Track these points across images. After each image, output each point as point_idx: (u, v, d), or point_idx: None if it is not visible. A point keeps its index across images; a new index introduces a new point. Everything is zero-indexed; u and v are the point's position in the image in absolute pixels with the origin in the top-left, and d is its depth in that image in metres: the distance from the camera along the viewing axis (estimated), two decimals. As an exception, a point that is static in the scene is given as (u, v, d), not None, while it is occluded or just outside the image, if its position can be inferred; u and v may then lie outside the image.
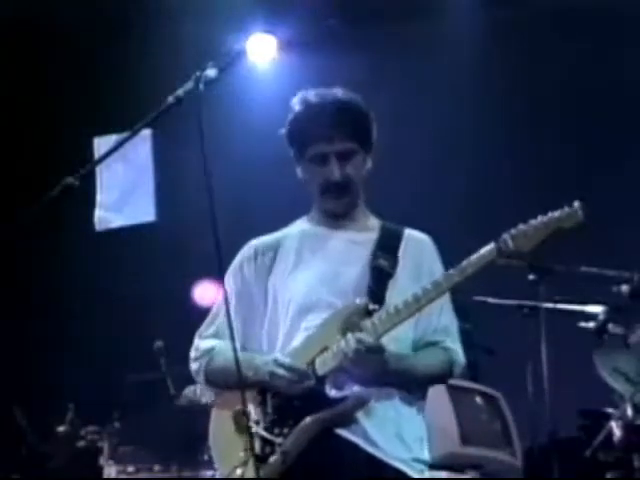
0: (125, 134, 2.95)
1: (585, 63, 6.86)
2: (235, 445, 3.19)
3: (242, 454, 3.14)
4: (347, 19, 7.05)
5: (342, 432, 3.13)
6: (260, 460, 3.09)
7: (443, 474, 4.97)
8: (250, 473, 3.12)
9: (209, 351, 3.37)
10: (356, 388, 3.16)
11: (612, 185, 6.64)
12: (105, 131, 6.20)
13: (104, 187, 6.47)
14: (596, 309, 4.91)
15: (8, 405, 6.17)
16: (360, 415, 3.14)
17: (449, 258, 3.40)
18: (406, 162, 7.06)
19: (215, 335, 3.40)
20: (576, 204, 3.28)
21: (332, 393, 3.14)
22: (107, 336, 7.09)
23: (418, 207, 6.89)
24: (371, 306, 3.18)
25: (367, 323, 3.14)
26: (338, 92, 3.39)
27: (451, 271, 3.19)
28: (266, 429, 3.14)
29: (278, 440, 3.11)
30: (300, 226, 3.46)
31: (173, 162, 6.83)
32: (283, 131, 3.39)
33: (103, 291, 7.24)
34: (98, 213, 6.61)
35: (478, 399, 5.35)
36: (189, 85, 2.91)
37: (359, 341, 3.09)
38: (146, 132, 2.91)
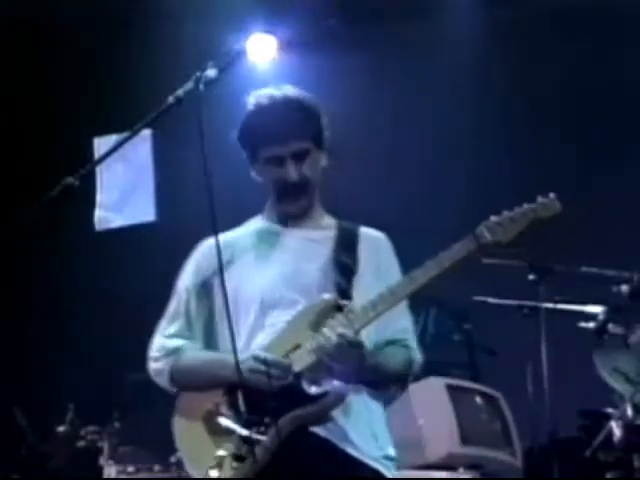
0: (125, 134, 2.95)
1: (585, 63, 6.85)
2: (207, 446, 3.13)
3: (219, 454, 3.08)
4: (347, 19, 7.05)
5: (318, 430, 3.11)
6: (240, 459, 3.05)
7: (443, 474, 4.97)
8: (227, 473, 3.06)
9: (175, 350, 3.32)
10: (335, 384, 3.13)
11: (612, 185, 6.64)
12: (105, 131, 6.20)
13: (104, 187, 6.46)
14: (596, 309, 4.91)
15: (8, 405, 6.17)
16: (336, 412, 3.12)
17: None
18: (406, 162, 7.06)
19: (178, 334, 3.36)
20: (552, 195, 3.26)
21: (311, 390, 3.11)
22: (107, 336, 7.09)
23: (418, 207, 6.90)
24: (340, 302, 3.17)
25: (342, 318, 3.12)
26: (288, 91, 3.37)
27: (428, 263, 3.17)
28: (244, 428, 3.09)
29: (261, 438, 3.05)
30: (255, 225, 3.45)
31: (173, 162, 6.83)
32: (235, 134, 3.37)
33: (103, 291, 7.24)
34: (98, 213, 6.60)
35: (478, 399, 5.35)
36: (189, 85, 2.91)
37: (341, 335, 3.07)
38: (146, 132, 2.91)
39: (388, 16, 7.11)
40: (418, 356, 3.36)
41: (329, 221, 3.45)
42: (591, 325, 4.86)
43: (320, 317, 3.16)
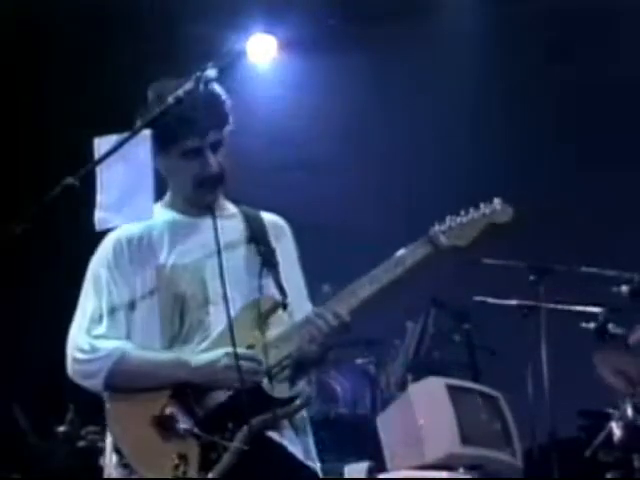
0: (125, 134, 2.95)
1: (586, 63, 6.85)
2: (161, 451, 3.00)
3: (175, 459, 2.95)
4: (347, 19, 7.05)
5: (271, 434, 3.06)
6: (206, 466, 2.96)
7: (443, 474, 4.97)
8: (192, 474, 2.96)
9: (113, 352, 3.17)
10: (301, 385, 3.10)
11: (612, 185, 6.64)
12: (105, 131, 6.19)
13: (104, 187, 6.44)
14: (596, 309, 4.91)
15: (8, 405, 6.16)
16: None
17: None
18: (405, 162, 7.06)
19: (107, 335, 3.22)
20: (497, 200, 3.27)
21: (277, 393, 3.04)
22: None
23: (418, 207, 6.90)
24: (284, 301, 3.14)
25: (286, 315, 3.12)
26: (188, 83, 3.16)
27: (387, 263, 3.14)
28: (205, 432, 2.99)
29: (232, 444, 2.96)
30: (164, 215, 3.33)
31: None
32: (145, 130, 3.10)
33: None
34: (98, 213, 6.58)
35: (478, 399, 5.35)
36: (189, 85, 2.91)
37: (336, 316, 3.06)
38: (146, 132, 2.90)
39: (388, 16, 7.11)
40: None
41: (232, 208, 3.39)
42: (591, 325, 4.86)
43: (265, 315, 3.11)
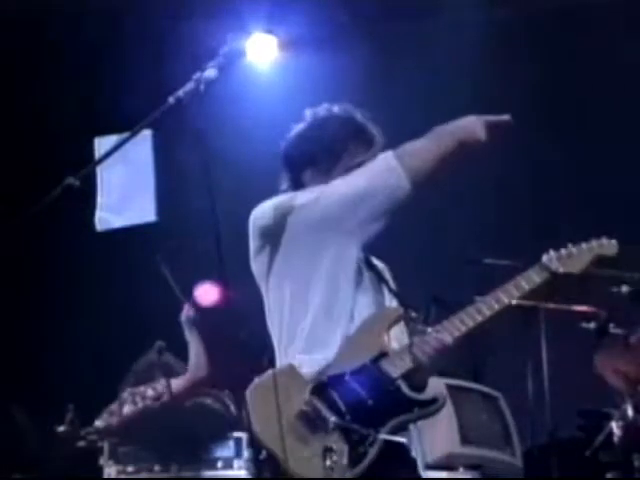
0: (125, 134, 2.95)
1: (587, 63, 6.84)
2: (308, 445, 3.08)
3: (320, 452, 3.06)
4: (349, 19, 7.05)
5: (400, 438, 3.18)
6: (355, 460, 3.06)
7: (443, 474, 4.97)
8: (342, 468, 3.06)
9: None
10: (437, 389, 3.25)
11: (612, 185, 6.64)
12: (105, 131, 6.21)
13: (105, 187, 6.46)
14: (596, 309, 4.92)
15: (8, 405, 6.16)
16: None
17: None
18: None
19: None
20: (611, 241, 3.64)
21: (414, 395, 3.18)
22: (107, 336, 7.09)
23: (417, 207, 6.89)
24: (412, 313, 3.36)
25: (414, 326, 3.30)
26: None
27: (506, 287, 3.45)
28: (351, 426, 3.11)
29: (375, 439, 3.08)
30: None
31: (173, 162, 6.83)
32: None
33: (103, 291, 7.24)
34: (99, 213, 6.60)
35: (478, 399, 5.36)
36: (189, 85, 2.91)
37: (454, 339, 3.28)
38: (146, 132, 2.90)
39: (390, 15, 7.10)
40: None
41: None
42: (592, 325, 4.87)
43: (393, 324, 3.29)
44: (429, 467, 4.99)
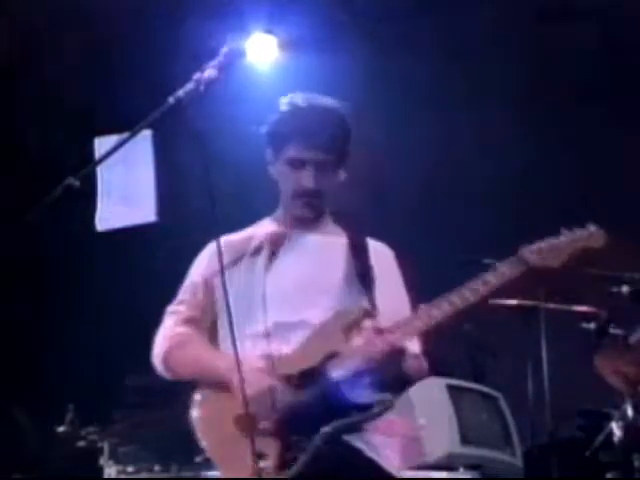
0: (125, 134, 2.95)
1: (588, 63, 6.84)
2: (242, 449, 3.03)
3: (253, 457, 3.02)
4: (349, 18, 7.05)
5: (350, 440, 3.10)
6: (283, 466, 3.02)
7: (443, 474, 4.97)
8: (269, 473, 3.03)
9: (178, 336, 3.34)
10: (380, 393, 3.14)
11: (612, 185, 6.64)
12: (105, 131, 6.20)
13: (105, 187, 6.47)
14: (596, 309, 4.92)
15: (8, 405, 6.17)
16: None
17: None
18: (408, 162, 7.06)
19: (188, 321, 3.38)
20: (593, 228, 3.34)
21: (356, 398, 3.08)
22: (107, 336, 7.09)
23: (425, 205, 6.90)
24: (372, 312, 3.17)
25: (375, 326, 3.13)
26: (328, 101, 3.40)
27: (472, 284, 3.21)
28: (286, 431, 3.06)
29: (306, 445, 3.01)
30: (267, 227, 3.42)
31: (173, 162, 6.83)
32: (263, 129, 3.37)
33: (103, 291, 7.24)
34: (99, 213, 6.60)
35: (478, 399, 5.36)
36: (189, 86, 2.91)
37: (389, 343, 3.08)
38: (146, 132, 2.90)
39: (390, 15, 7.10)
40: (425, 365, 3.35)
41: (337, 229, 3.45)
42: (592, 325, 4.87)
43: (352, 325, 3.16)
44: (429, 467, 4.99)
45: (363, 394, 3.10)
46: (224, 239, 3.33)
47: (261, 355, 3.19)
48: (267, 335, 3.21)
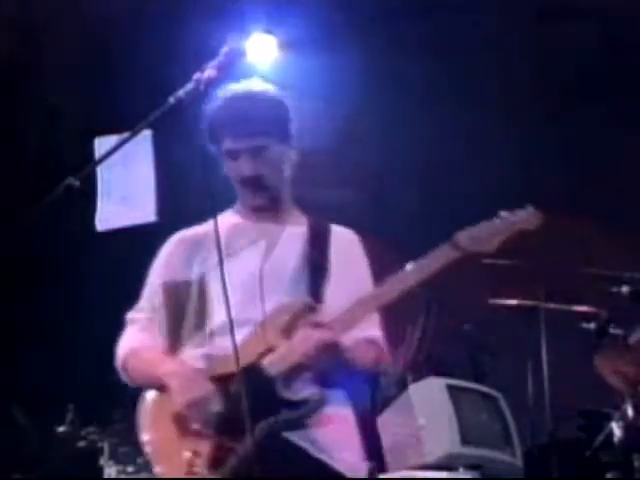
0: (125, 134, 2.95)
1: (588, 63, 6.84)
2: (178, 448, 3.07)
3: (187, 455, 3.03)
4: (349, 18, 7.04)
5: (290, 436, 3.06)
6: (214, 465, 3.01)
7: (443, 474, 4.97)
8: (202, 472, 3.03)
9: (136, 342, 3.42)
10: (313, 390, 3.10)
11: (612, 185, 6.63)
12: (105, 131, 6.21)
13: (105, 187, 6.47)
14: (596, 309, 4.92)
15: (8, 405, 6.16)
16: (309, 420, 3.08)
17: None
18: (409, 162, 7.06)
19: (145, 328, 3.44)
20: (530, 208, 3.27)
21: (288, 395, 3.06)
22: (107, 336, 7.07)
23: (425, 204, 6.90)
24: (312, 304, 3.13)
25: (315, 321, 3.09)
26: (253, 84, 3.32)
27: (407, 269, 3.13)
28: (218, 432, 3.04)
29: (236, 445, 2.99)
30: (227, 219, 3.34)
31: (173, 162, 6.83)
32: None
33: (104, 291, 7.24)
34: (99, 213, 6.60)
35: (478, 399, 5.35)
36: (189, 86, 2.91)
37: (319, 339, 3.03)
38: (146, 132, 2.91)
39: (389, 15, 7.10)
40: (387, 357, 3.29)
41: (299, 218, 3.39)
42: (592, 325, 4.87)
43: (292, 319, 3.11)
44: (429, 467, 4.99)
45: (298, 390, 3.07)
46: (183, 232, 3.41)
47: (202, 355, 3.19)
48: (212, 334, 3.19)
